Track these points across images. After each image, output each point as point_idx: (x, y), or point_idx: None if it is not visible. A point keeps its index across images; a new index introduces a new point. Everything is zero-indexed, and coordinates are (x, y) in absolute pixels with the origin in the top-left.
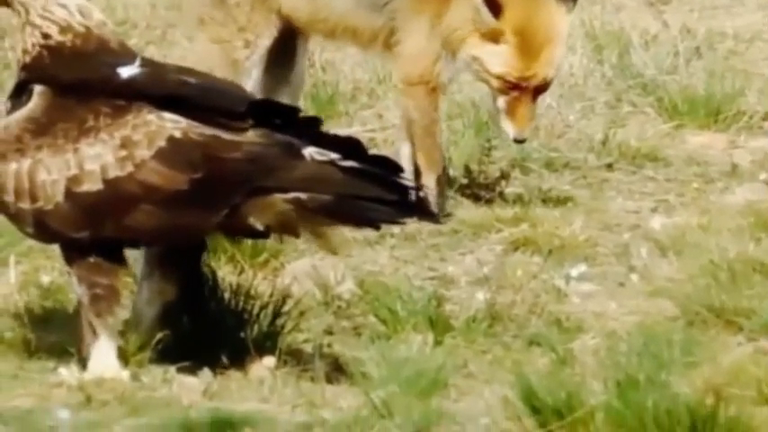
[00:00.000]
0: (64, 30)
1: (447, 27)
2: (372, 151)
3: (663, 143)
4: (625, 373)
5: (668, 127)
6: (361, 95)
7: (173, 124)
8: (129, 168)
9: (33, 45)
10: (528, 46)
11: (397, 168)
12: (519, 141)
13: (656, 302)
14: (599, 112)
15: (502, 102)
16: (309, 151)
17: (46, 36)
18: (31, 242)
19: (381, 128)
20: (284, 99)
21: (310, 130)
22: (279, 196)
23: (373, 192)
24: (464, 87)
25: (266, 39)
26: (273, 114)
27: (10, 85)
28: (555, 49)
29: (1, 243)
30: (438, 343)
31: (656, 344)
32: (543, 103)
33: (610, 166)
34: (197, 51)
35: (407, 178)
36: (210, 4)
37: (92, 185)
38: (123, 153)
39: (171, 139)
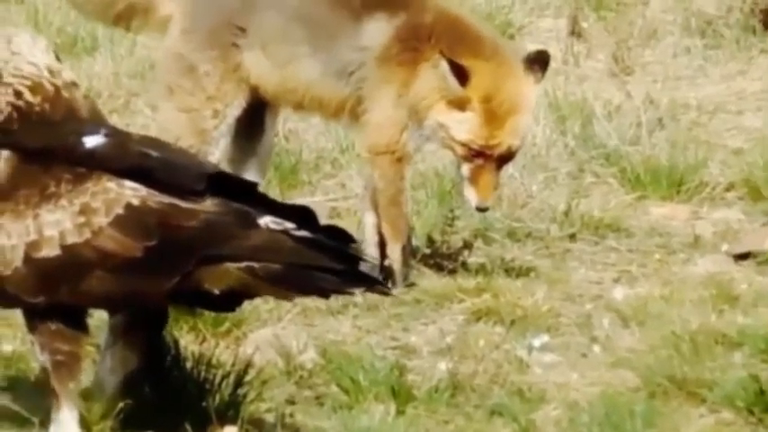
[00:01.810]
0: (34, 89)
1: (414, 95)
2: (335, 221)
3: (625, 214)
4: None
5: (631, 198)
6: (324, 165)
7: (132, 192)
8: (87, 235)
9: (6, 104)
10: (493, 114)
11: (348, 238)
12: (481, 210)
13: (619, 373)
14: (562, 182)
15: (466, 169)
16: (265, 220)
17: (18, 94)
18: None
19: (344, 197)
20: (251, 170)
21: (265, 199)
22: (231, 264)
23: (323, 261)
24: (427, 157)
25: (235, 109)
26: (231, 185)
27: None
28: (521, 119)
29: None
30: (400, 413)
31: (618, 415)
32: (506, 173)
33: (572, 237)
34: (164, 120)
35: (358, 249)
36: (179, 73)
37: (50, 251)
38: (82, 219)
39: (128, 207)
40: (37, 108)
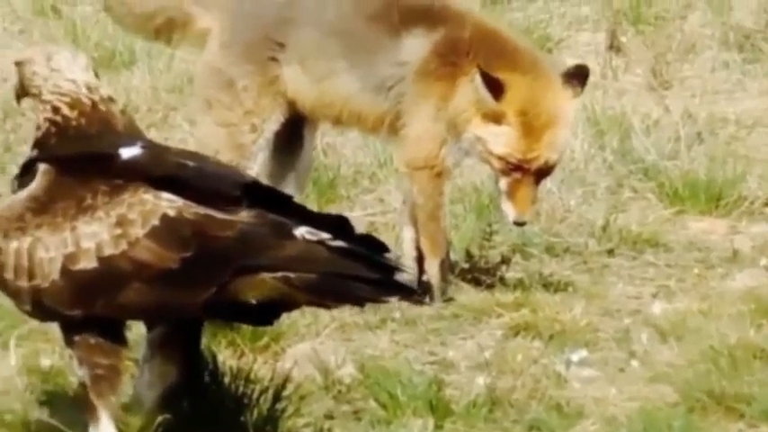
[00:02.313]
0: (72, 104)
1: (453, 109)
2: (374, 236)
3: (664, 228)
4: None
5: (669, 212)
6: (362, 179)
7: (168, 203)
8: (123, 246)
9: (44, 120)
10: (531, 127)
11: (383, 248)
12: (519, 224)
13: (657, 388)
14: (600, 197)
15: (503, 184)
16: (301, 231)
17: (55, 110)
18: (32, 325)
19: (382, 212)
20: (290, 184)
21: (301, 209)
22: (267, 274)
23: (358, 271)
24: (465, 171)
25: (273, 123)
26: (267, 196)
27: (11, 167)
28: (558, 132)
29: (1, 326)
30: (438, 428)
31: (657, 430)
32: (544, 188)
33: (611, 252)
34: (203, 134)
35: (393, 258)
36: (218, 88)
37: (87, 263)
38: (118, 231)
39: (164, 218)
40: (74, 122)
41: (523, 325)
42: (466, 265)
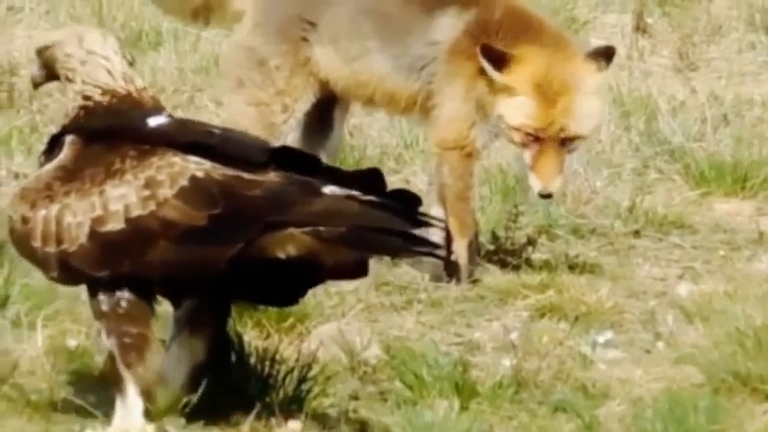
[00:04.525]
0: (105, 92)
1: (481, 89)
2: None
3: (689, 210)
4: None
5: (695, 194)
6: (388, 160)
7: (196, 165)
8: (152, 207)
9: (74, 108)
10: (545, 96)
11: (416, 200)
12: (544, 196)
13: (682, 369)
14: (626, 178)
15: (527, 156)
16: (330, 188)
17: (86, 98)
18: (58, 305)
19: None
20: None
21: (331, 169)
22: (296, 230)
23: (387, 223)
24: (491, 153)
25: (304, 103)
26: (295, 159)
27: (37, 147)
28: (575, 99)
29: (28, 307)
30: (464, 409)
31: (682, 411)
32: (570, 169)
33: (636, 233)
34: (232, 112)
35: (423, 211)
36: (249, 67)
37: (114, 225)
38: (146, 193)
39: (193, 179)
40: (104, 103)
41: (549, 306)
42: (492, 247)
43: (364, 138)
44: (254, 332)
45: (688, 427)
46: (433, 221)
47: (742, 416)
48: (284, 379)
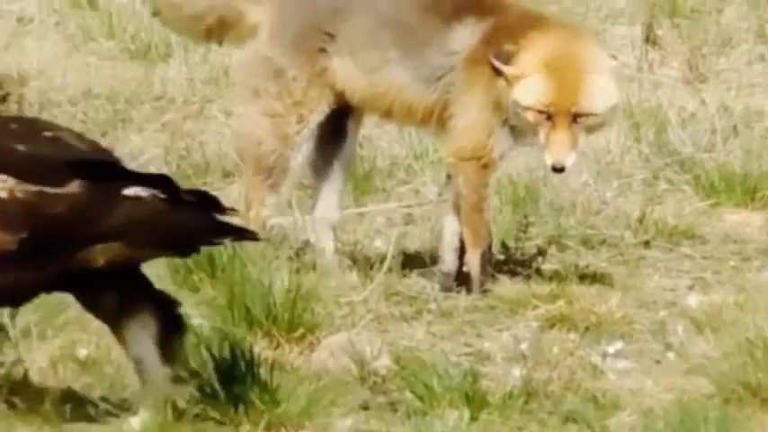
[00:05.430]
0: None
1: (497, 91)
2: (409, 228)
3: (700, 221)
4: None
5: (705, 205)
6: (398, 171)
7: (1, 183)
8: None
9: None
10: (553, 73)
11: (213, 199)
12: (557, 170)
13: (693, 380)
14: (636, 189)
15: (541, 135)
16: (133, 190)
17: None
18: (68, 315)
19: (418, 204)
20: (332, 175)
21: (128, 171)
22: (109, 241)
23: (192, 218)
24: (501, 163)
25: (319, 114)
26: (93, 165)
27: None
28: (586, 77)
29: (38, 317)
30: (474, 419)
31: (693, 422)
32: (580, 180)
33: (647, 244)
34: (246, 123)
35: (223, 206)
36: (265, 77)
37: None
38: None
39: None
40: None
41: (559, 317)
42: (502, 257)
43: (374, 149)
44: (263, 342)
45: None
46: (231, 212)
47: (752, 426)
48: (294, 389)
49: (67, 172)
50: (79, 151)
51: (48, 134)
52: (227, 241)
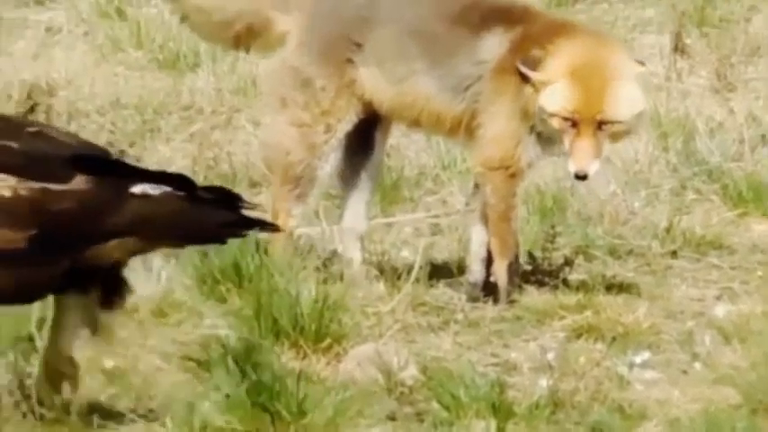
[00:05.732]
0: None
1: (526, 97)
2: (437, 238)
3: (727, 231)
4: None
5: (733, 214)
6: (425, 181)
7: (2, 183)
8: None
9: None
10: (578, 81)
11: (230, 193)
12: (579, 178)
13: (720, 390)
14: (663, 199)
15: (567, 142)
16: (140, 188)
17: None
18: None
19: (446, 213)
20: (360, 185)
21: (138, 169)
22: (121, 237)
23: (208, 212)
24: (529, 172)
25: (346, 124)
26: (98, 165)
27: None
28: (611, 84)
29: None
30: (500, 429)
31: None
32: (607, 190)
33: (674, 254)
34: (273, 133)
35: (242, 200)
36: (294, 87)
37: None
38: None
39: (1, 199)
40: None
41: (586, 327)
42: (529, 267)
43: (401, 158)
44: (290, 353)
45: None
46: (251, 204)
47: None
48: (321, 400)
49: (68, 168)
50: (72, 147)
51: (30, 129)
52: (250, 233)
